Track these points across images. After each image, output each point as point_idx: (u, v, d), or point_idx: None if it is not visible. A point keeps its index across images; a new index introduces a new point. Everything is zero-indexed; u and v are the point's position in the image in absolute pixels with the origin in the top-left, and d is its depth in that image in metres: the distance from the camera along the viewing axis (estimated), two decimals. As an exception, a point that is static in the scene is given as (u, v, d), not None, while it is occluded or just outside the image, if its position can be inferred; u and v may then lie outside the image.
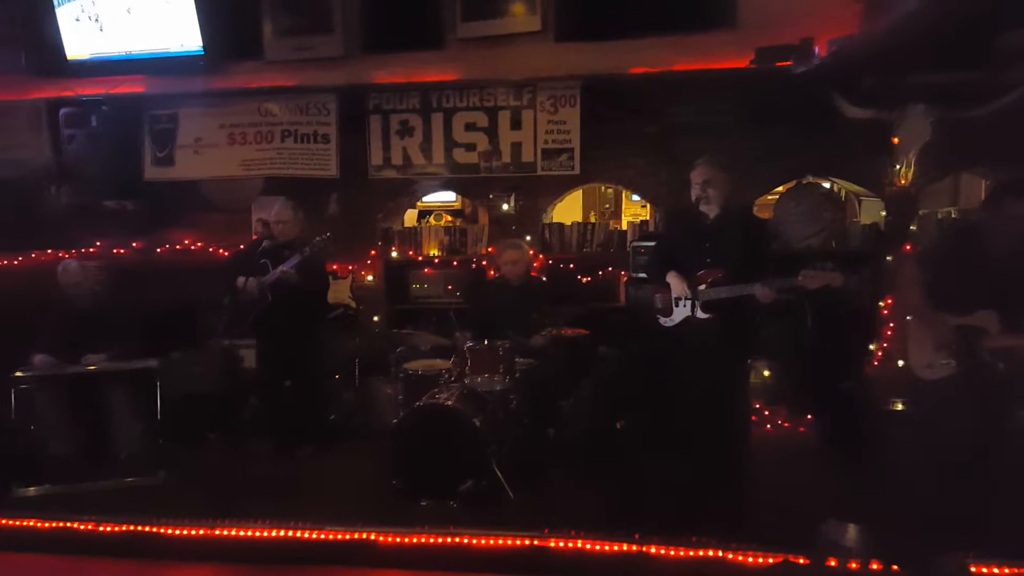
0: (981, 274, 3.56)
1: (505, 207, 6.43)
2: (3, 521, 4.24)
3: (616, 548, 3.68)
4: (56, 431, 4.83)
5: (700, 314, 4.03)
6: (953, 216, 5.90)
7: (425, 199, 7.19)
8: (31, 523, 4.21)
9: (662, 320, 4.31)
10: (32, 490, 4.70)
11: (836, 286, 3.78)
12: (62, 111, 6.45)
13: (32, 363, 4.90)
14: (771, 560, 3.52)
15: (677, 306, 4.20)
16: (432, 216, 7.62)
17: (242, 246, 5.70)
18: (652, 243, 5.53)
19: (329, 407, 5.87)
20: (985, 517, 3.48)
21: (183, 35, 6.11)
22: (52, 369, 4.88)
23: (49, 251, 6.65)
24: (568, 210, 7.50)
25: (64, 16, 6.25)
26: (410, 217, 7.45)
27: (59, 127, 6.47)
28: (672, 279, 4.18)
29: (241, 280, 5.05)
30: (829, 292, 3.83)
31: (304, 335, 5.31)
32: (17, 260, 6.76)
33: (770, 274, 3.89)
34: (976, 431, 3.48)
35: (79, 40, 6.30)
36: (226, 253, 6.38)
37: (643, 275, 5.62)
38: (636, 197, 7.46)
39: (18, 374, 4.80)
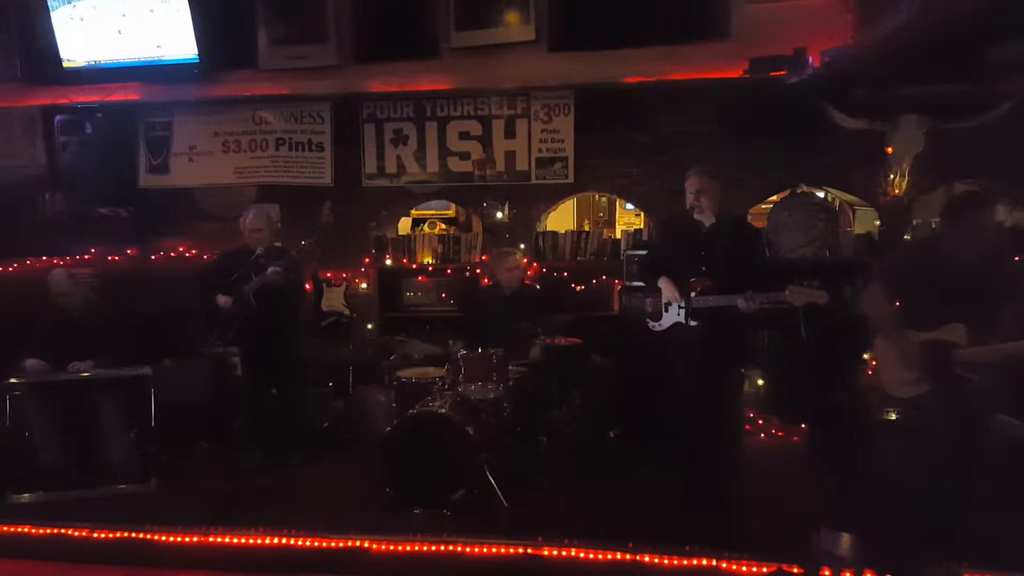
0: (944, 287, 3.55)
1: (499, 215, 6.45)
2: (-3, 527, 4.24)
3: (609, 556, 3.68)
4: (49, 438, 4.83)
5: (690, 321, 4.05)
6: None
7: (419, 207, 7.19)
8: (25, 529, 4.21)
9: (652, 324, 4.32)
10: (26, 497, 4.71)
11: (821, 304, 3.78)
12: (57, 118, 6.44)
13: (23, 367, 4.90)
14: (765, 569, 3.52)
15: (667, 311, 4.21)
16: (426, 224, 7.62)
17: (224, 252, 5.70)
18: (646, 251, 5.56)
19: (322, 414, 5.86)
20: (974, 527, 3.49)
21: (178, 43, 6.13)
22: (45, 376, 4.88)
23: (44, 258, 6.63)
24: (562, 218, 7.52)
25: (60, 23, 6.26)
26: (404, 225, 7.45)
27: (54, 134, 6.47)
28: (663, 284, 4.20)
29: (222, 299, 5.06)
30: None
31: (287, 342, 5.31)
32: (11, 267, 6.74)
33: (758, 286, 3.90)
34: (957, 444, 3.48)
35: (75, 47, 6.31)
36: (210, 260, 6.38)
37: (637, 284, 5.64)
38: (630, 206, 7.48)
39: (12, 380, 4.79)
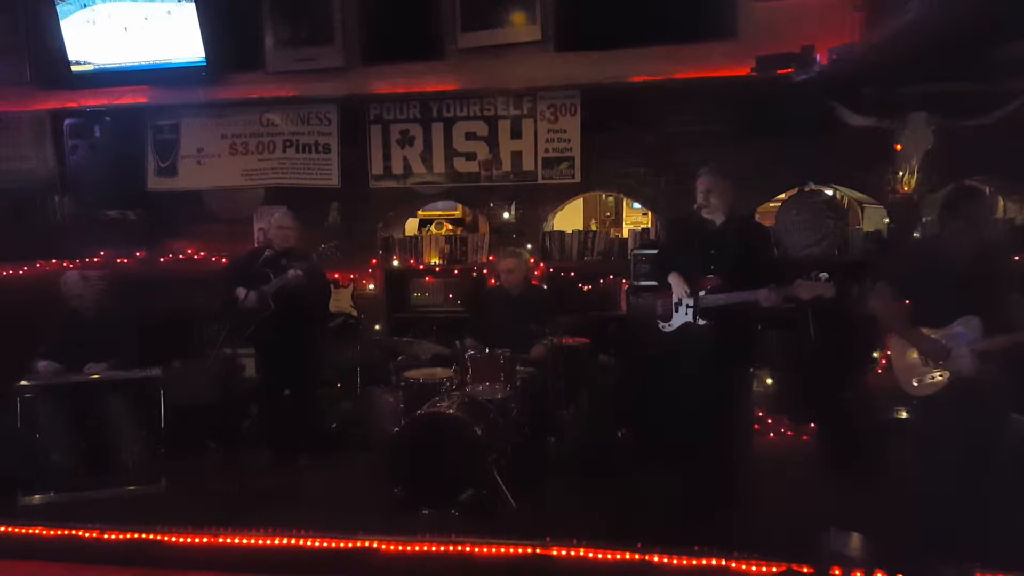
0: (951, 282, 3.56)
1: (506, 216, 6.44)
2: (8, 529, 4.28)
3: (618, 556, 3.68)
4: (60, 439, 4.85)
5: (699, 320, 4.04)
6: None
7: (426, 208, 7.20)
8: (36, 531, 4.24)
9: (661, 325, 4.31)
10: (37, 498, 4.73)
11: (828, 297, 3.77)
12: (66, 122, 6.47)
13: (36, 369, 4.92)
14: (774, 569, 3.51)
15: (677, 311, 4.20)
16: (433, 225, 7.62)
17: (239, 254, 5.73)
18: (654, 251, 5.55)
19: (330, 416, 5.87)
20: (990, 526, 3.47)
21: (186, 46, 6.17)
22: (56, 377, 4.91)
23: (53, 261, 6.67)
24: (569, 218, 7.50)
25: (69, 27, 6.30)
26: (411, 226, 7.46)
27: (63, 137, 6.50)
28: (673, 279, 4.19)
29: (242, 291, 5.07)
30: (828, 301, 3.82)
31: (304, 344, 5.32)
32: (22, 270, 6.78)
33: (770, 282, 3.90)
34: (972, 442, 3.46)
35: (83, 51, 6.36)
36: (227, 262, 6.40)
37: (644, 283, 5.63)
38: (637, 205, 7.47)
39: (23, 383, 4.82)
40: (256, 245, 6.34)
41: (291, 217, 5.44)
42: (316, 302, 5.43)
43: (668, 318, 4.27)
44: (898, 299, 3.77)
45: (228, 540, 4.01)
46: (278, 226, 5.35)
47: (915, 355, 3.67)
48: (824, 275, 3.77)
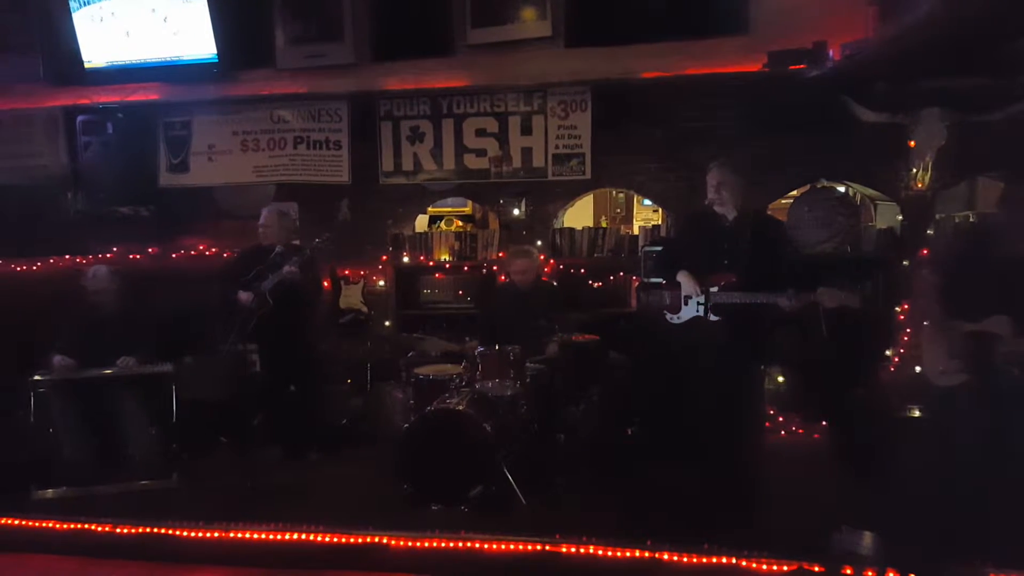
0: (993, 279, 3.52)
1: (516, 212, 6.43)
2: (21, 523, 4.31)
3: (628, 554, 3.67)
4: (72, 434, 4.89)
5: (710, 316, 4.01)
6: (971, 219, 5.84)
7: (436, 204, 7.20)
8: (48, 525, 4.27)
9: (669, 317, 4.27)
10: (49, 492, 4.76)
11: (853, 307, 3.74)
12: (79, 118, 6.51)
13: (50, 364, 4.95)
14: (785, 568, 3.50)
15: (686, 304, 4.18)
16: (443, 221, 7.63)
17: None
18: (664, 245, 5.53)
19: (339, 411, 5.89)
20: (1001, 525, 3.44)
21: (197, 43, 6.20)
22: (70, 372, 4.93)
23: (66, 256, 6.72)
24: (579, 215, 7.50)
25: (81, 24, 6.34)
26: (421, 222, 7.46)
27: (76, 134, 6.54)
28: (683, 278, 4.16)
29: (244, 295, 5.09)
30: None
31: (305, 340, 5.34)
32: (35, 266, 6.83)
33: (785, 282, 3.86)
34: (991, 439, 3.44)
35: (96, 48, 6.40)
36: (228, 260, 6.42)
37: (655, 280, 5.60)
38: (647, 201, 7.45)
39: (36, 377, 4.85)
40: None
41: (274, 215, 5.42)
42: (311, 296, 5.44)
43: (677, 310, 4.24)
44: (938, 287, 3.73)
45: (239, 535, 4.03)
46: (260, 225, 5.37)
47: (945, 347, 3.63)
48: (847, 284, 3.75)
